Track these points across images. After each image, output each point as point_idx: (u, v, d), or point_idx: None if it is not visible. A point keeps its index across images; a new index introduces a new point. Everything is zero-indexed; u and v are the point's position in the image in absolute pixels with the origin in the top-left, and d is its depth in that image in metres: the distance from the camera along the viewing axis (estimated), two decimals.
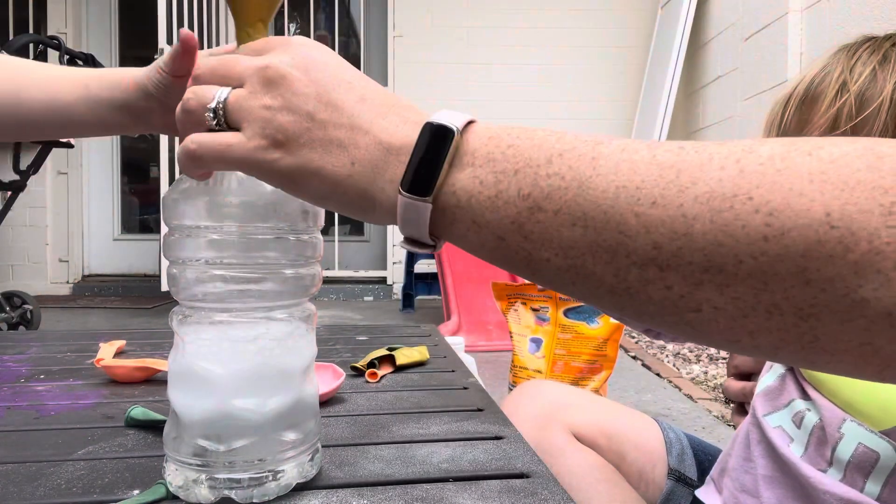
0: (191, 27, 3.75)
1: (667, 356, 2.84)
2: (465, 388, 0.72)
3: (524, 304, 1.97)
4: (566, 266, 0.31)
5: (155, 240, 4.70)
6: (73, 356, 0.87)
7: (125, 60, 4.76)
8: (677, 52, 3.72)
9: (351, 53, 4.61)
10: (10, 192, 2.93)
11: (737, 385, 0.76)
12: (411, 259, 3.87)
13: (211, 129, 0.37)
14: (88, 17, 4.67)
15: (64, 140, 2.91)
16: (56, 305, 4.03)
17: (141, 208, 4.95)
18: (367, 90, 0.37)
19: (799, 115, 0.67)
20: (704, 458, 0.85)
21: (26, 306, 3.09)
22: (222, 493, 0.42)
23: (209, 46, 3.96)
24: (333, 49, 0.39)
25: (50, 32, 4.23)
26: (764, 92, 3.02)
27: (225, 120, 0.37)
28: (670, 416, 2.08)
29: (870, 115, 0.62)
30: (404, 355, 0.81)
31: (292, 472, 0.44)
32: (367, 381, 0.75)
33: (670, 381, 2.46)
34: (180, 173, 0.41)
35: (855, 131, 0.62)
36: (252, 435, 0.42)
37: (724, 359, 2.68)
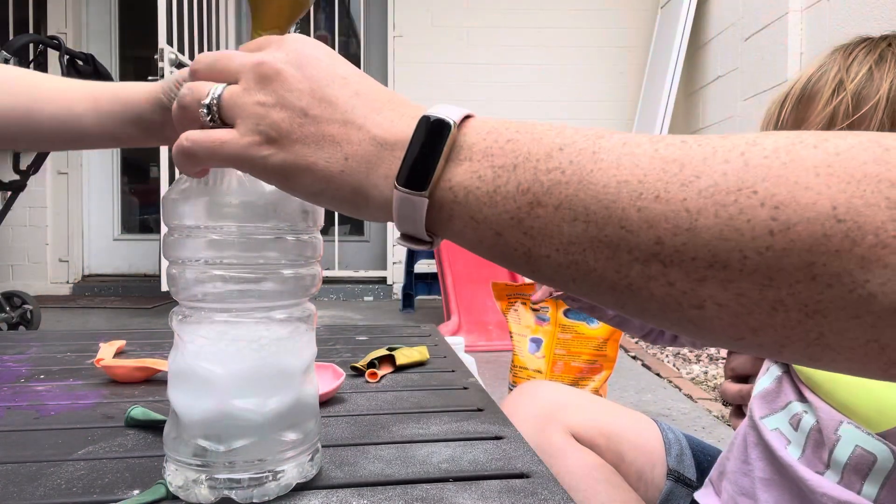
0: (191, 27, 3.75)
1: (667, 356, 2.85)
2: (465, 388, 0.72)
3: (524, 303, 1.97)
4: (566, 262, 0.30)
5: (155, 240, 4.70)
6: (73, 356, 0.87)
7: (125, 60, 4.76)
8: (677, 52, 3.72)
9: (351, 53, 4.61)
10: (10, 192, 2.93)
11: (734, 387, 0.76)
12: (411, 259, 3.87)
13: (205, 126, 0.37)
14: (88, 17, 4.67)
15: None
16: (56, 305, 4.03)
17: (141, 208, 4.96)
18: (361, 86, 0.36)
19: (795, 114, 0.67)
20: (703, 459, 0.85)
21: (26, 306, 3.09)
22: (222, 494, 0.42)
23: (209, 48, 3.97)
24: (333, 49, 0.39)
25: (50, 32, 4.23)
26: (764, 92, 3.02)
27: (219, 116, 0.37)
28: (670, 416, 2.08)
29: (866, 114, 0.62)
30: (404, 355, 0.81)
31: (292, 472, 0.44)
32: (367, 381, 0.75)
33: (670, 381, 2.47)
34: (180, 173, 0.41)
35: (851, 130, 0.62)
36: (252, 435, 0.42)
37: (724, 359, 2.68)
